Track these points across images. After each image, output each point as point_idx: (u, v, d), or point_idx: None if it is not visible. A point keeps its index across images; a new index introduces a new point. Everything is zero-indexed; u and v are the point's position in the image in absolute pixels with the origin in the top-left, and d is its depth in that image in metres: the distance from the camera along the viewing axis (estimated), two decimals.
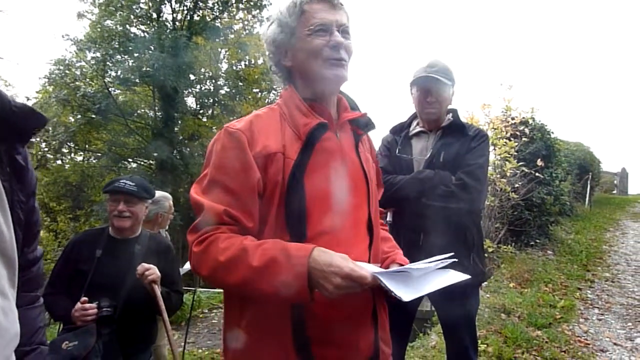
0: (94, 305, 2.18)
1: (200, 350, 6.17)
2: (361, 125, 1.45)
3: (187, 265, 3.97)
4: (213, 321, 7.60)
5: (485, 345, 4.12)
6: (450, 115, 2.45)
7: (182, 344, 5.04)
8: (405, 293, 1.12)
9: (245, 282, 1.14)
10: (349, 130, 1.43)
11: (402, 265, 1.39)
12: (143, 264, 2.29)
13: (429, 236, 2.25)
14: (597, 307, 5.77)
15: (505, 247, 7.79)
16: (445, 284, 1.26)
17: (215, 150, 1.28)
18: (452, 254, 1.29)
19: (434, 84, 2.37)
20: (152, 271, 2.28)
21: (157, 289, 2.29)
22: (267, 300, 1.19)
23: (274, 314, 1.23)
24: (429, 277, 1.26)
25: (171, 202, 3.56)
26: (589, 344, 4.49)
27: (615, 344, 4.54)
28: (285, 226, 1.23)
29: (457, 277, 1.30)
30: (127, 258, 2.39)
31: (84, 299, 2.19)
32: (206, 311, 8.08)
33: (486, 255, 5.81)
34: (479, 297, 2.56)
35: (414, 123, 2.56)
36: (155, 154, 17.17)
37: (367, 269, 1.13)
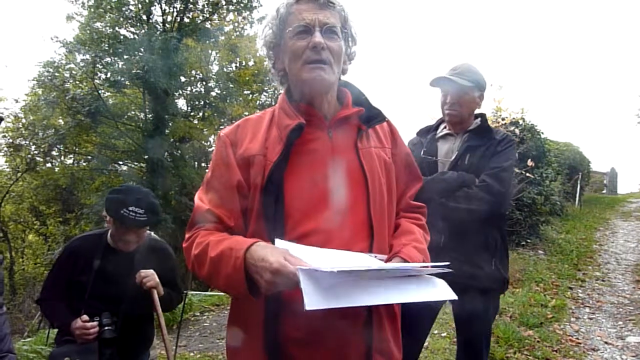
0: (95, 324, 2.14)
1: (192, 354, 6.11)
2: (363, 121, 1.37)
3: None
4: (205, 324, 7.53)
5: None
6: (478, 120, 2.45)
7: (174, 347, 5.00)
8: (318, 299, 0.94)
9: (210, 276, 1.19)
10: (352, 127, 1.37)
11: (404, 259, 1.26)
12: (141, 270, 2.26)
13: (450, 238, 2.19)
14: (588, 306, 5.81)
15: None
16: (413, 299, 1.08)
17: (212, 154, 1.37)
18: (447, 263, 1.15)
19: (449, 85, 2.34)
20: (150, 277, 2.25)
21: (156, 295, 2.26)
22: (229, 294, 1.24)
23: (248, 311, 1.23)
24: (391, 285, 1.08)
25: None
26: (580, 343, 4.51)
27: (606, 342, 4.56)
28: (264, 228, 1.23)
29: (440, 294, 1.12)
30: (126, 268, 2.30)
31: (85, 317, 2.14)
32: (198, 314, 8.00)
33: None
34: (499, 304, 2.49)
35: (442, 125, 2.55)
36: (146, 156, 17.06)
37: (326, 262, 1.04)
